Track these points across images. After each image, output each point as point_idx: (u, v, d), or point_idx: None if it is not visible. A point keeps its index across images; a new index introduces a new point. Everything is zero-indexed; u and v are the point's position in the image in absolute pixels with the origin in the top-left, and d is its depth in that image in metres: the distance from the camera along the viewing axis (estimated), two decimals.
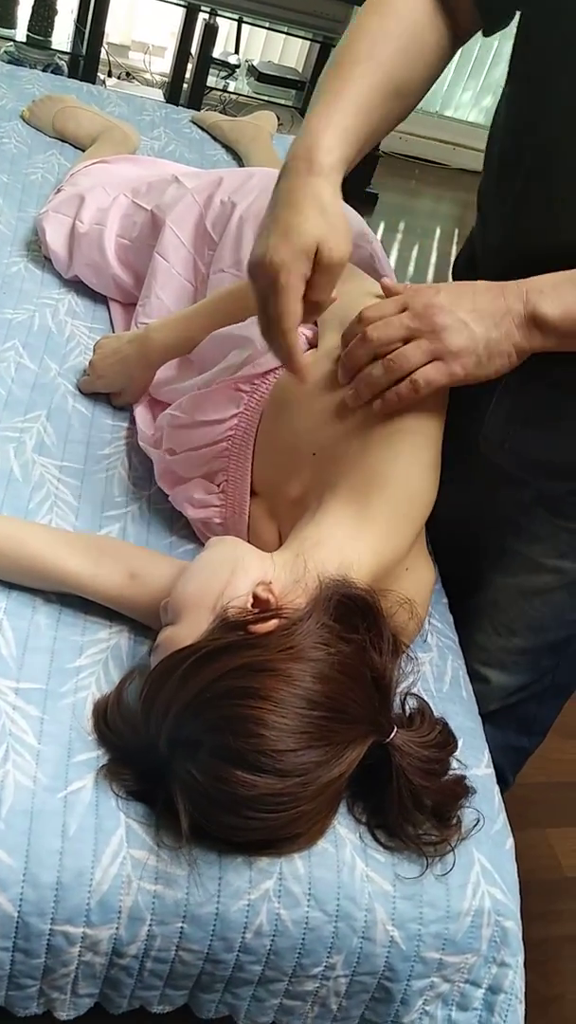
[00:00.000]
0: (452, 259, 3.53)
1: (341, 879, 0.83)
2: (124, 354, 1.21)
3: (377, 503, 0.92)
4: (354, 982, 0.85)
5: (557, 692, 1.32)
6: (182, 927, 0.80)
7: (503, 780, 1.38)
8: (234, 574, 0.87)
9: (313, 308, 0.88)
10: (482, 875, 0.88)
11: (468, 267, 1.11)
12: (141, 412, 1.22)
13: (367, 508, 0.92)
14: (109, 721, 0.86)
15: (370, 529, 0.92)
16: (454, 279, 1.15)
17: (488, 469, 1.10)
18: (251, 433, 1.04)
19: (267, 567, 0.89)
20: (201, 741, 0.77)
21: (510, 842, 0.94)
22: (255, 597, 0.85)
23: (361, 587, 0.87)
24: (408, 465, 0.94)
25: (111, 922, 0.78)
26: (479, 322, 0.88)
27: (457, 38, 0.99)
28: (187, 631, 0.85)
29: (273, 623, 0.82)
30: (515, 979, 0.88)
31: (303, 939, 0.82)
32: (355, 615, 0.84)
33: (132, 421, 1.25)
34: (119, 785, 0.83)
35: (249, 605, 0.84)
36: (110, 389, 1.24)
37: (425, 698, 0.92)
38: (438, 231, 3.78)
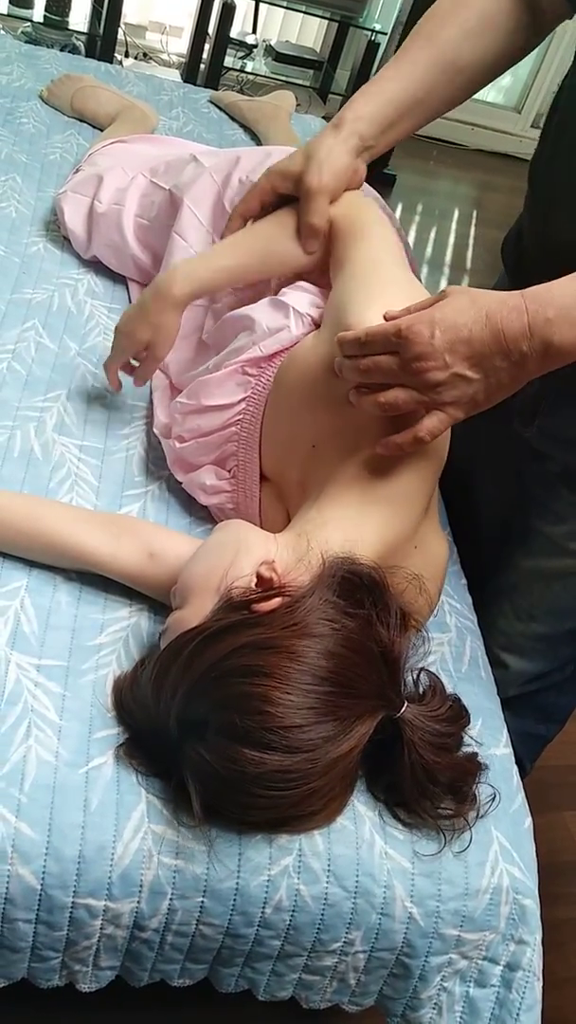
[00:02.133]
0: (469, 240, 3.52)
1: (360, 856, 0.84)
2: (142, 300, 1.10)
3: (380, 483, 0.92)
4: (372, 958, 0.85)
5: None
6: (202, 901, 0.80)
7: (520, 768, 1.38)
8: (237, 555, 0.88)
9: (308, 231, 1.07)
10: (500, 853, 0.88)
11: (516, 242, 1.12)
12: (159, 398, 1.22)
13: (371, 488, 0.92)
14: (124, 704, 0.87)
15: (374, 508, 0.92)
16: (503, 255, 1.15)
17: (516, 446, 1.10)
18: (258, 417, 1.04)
19: (270, 547, 0.89)
20: (208, 721, 0.77)
21: (528, 821, 0.94)
22: (258, 576, 0.85)
23: (366, 563, 0.87)
24: None
25: (132, 896, 0.79)
26: (477, 369, 0.82)
27: (541, 27, 1.02)
28: (193, 613, 0.85)
29: (276, 601, 0.83)
30: (533, 956, 0.89)
31: (322, 915, 0.82)
32: (360, 591, 0.84)
33: (151, 401, 1.25)
34: (134, 765, 0.84)
35: (253, 584, 0.85)
36: (136, 346, 1.11)
37: (443, 678, 0.92)
38: (456, 212, 3.75)
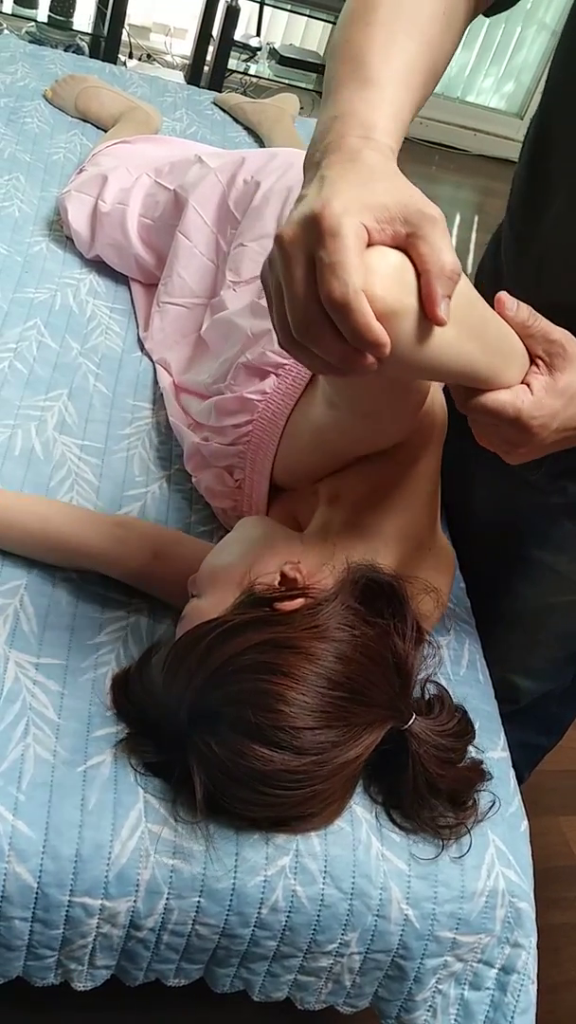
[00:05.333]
0: (471, 246, 3.52)
1: (357, 857, 0.84)
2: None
3: (400, 489, 0.92)
4: (368, 959, 0.86)
5: None
6: (199, 901, 0.80)
7: (518, 776, 1.38)
8: (263, 552, 0.88)
9: (439, 278, 0.61)
10: (497, 857, 0.89)
11: (494, 259, 1.09)
12: (166, 396, 1.22)
13: (390, 494, 0.92)
14: (131, 690, 0.86)
15: (394, 515, 0.92)
16: (480, 268, 1.13)
17: (516, 476, 1.09)
18: (270, 436, 1.02)
19: (295, 547, 0.89)
20: (221, 714, 0.77)
21: (525, 824, 0.94)
22: (283, 575, 0.85)
23: (387, 573, 0.87)
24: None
25: (129, 895, 0.79)
26: (558, 441, 0.78)
27: (473, 12, 0.87)
28: (213, 604, 0.85)
29: (299, 601, 0.83)
30: (528, 960, 0.89)
31: (318, 916, 0.82)
32: (380, 600, 0.84)
33: (154, 401, 1.25)
34: (137, 756, 0.84)
35: (276, 583, 0.85)
36: None
37: (442, 681, 0.92)
38: (458, 217, 3.75)
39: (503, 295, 0.74)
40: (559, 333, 0.75)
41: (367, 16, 0.73)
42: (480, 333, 0.69)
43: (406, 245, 0.59)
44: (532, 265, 0.96)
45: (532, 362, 0.76)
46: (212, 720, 0.77)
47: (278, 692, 0.76)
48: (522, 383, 0.75)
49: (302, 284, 0.58)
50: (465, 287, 0.64)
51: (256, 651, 0.79)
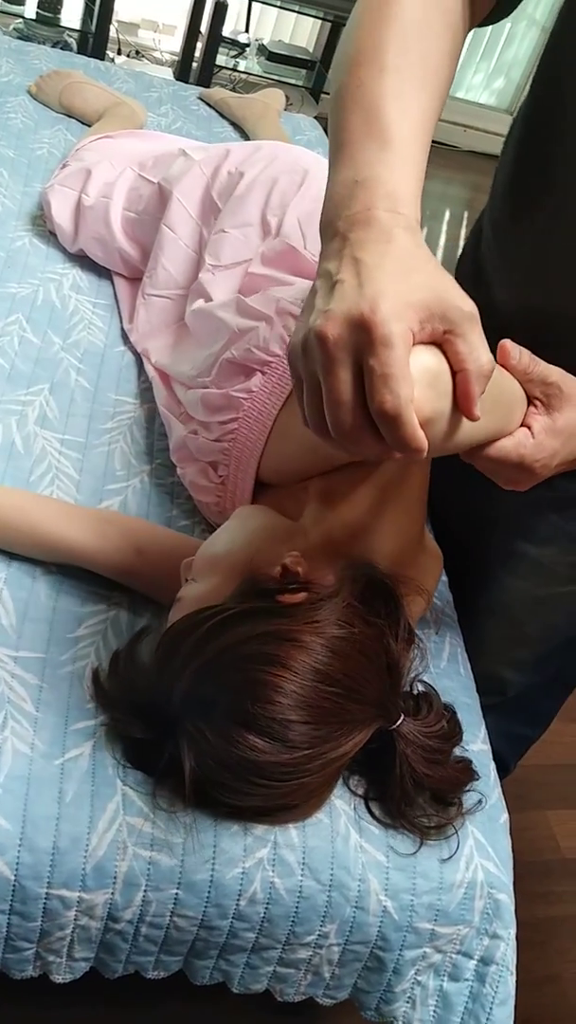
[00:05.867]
0: (460, 242, 3.52)
1: (335, 849, 0.84)
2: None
3: (396, 488, 0.92)
4: (347, 951, 0.86)
5: (564, 685, 1.32)
6: (177, 893, 0.80)
7: (504, 767, 1.39)
8: (265, 542, 0.88)
9: (478, 378, 0.62)
10: (476, 848, 0.89)
11: (474, 259, 1.08)
12: (156, 379, 1.22)
13: (387, 493, 0.92)
14: (120, 671, 0.86)
15: (391, 514, 0.92)
16: (458, 265, 1.13)
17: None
18: (256, 434, 1.02)
19: (297, 540, 0.89)
20: (217, 701, 0.77)
21: (504, 817, 0.94)
22: (284, 567, 0.85)
23: (385, 573, 0.87)
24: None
25: (106, 887, 0.79)
26: (558, 468, 0.82)
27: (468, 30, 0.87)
28: (212, 591, 0.86)
29: (302, 595, 0.83)
30: (507, 951, 0.89)
31: (297, 907, 0.83)
32: (378, 600, 0.84)
33: (136, 396, 1.25)
34: (124, 738, 0.84)
35: (278, 574, 0.85)
36: None
37: (424, 675, 0.92)
38: (447, 214, 3.75)
39: (507, 344, 0.75)
40: (556, 375, 0.77)
41: (378, 59, 0.70)
42: (496, 404, 0.70)
43: (442, 341, 0.61)
44: (518, 270, 0.96)
45: (530, 402, 0.77)
46: (207, 707, 0.77)
47: (277, 684, 0.76)
48: (522, 425, 0.76)
49: (349, 390, 0.59)
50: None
51: (257, 641, 0.79)
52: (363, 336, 0.57)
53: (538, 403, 0.77)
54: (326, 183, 0.70)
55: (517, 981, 0.93)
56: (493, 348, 0.67)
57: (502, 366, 0.75)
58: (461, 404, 0.62)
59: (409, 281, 0.60)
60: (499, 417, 0.73)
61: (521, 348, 0.76)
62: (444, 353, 0.61)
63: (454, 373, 0.61)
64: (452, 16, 0.76)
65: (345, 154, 0.68)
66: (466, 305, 0.61)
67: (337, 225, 0.65)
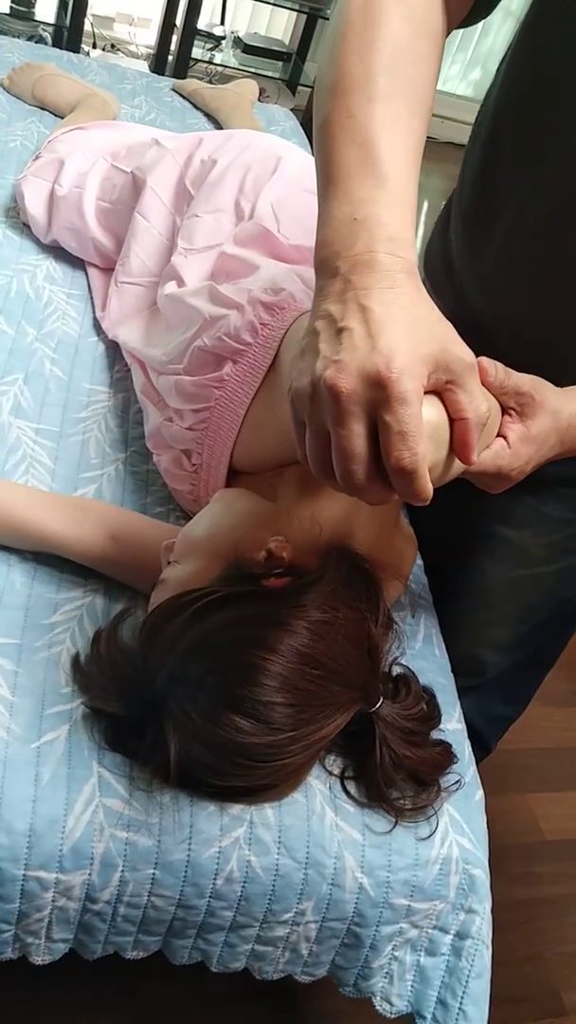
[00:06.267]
0: None
1: (311, 827, 0.85)
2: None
3: None
4: (324, 928, 0.87)
5: (541, 663, 1.34)
6: (154, 873, 0.81)
7: (485, 747, 1.40)
8: (250, 526, 0.89)
9: (477, 426, 0.65)
10: (451, 825, 0.90)
11: (443, 249, 1.09)
12: (135, 365, 1.23)
13: None
14: (102, 652, 0.86)
15: None
16: (428, 255, 1.14)
17: None
18: (229, 423, 1.03)
19: (281, 524, 0.90)
20: (204, 683, 0.78)
21: (479, 794, 0.95)
22: (270, 552, 0.86)
23: (365, 558, 0.88)
24: None
25: (83, 868, 0.80)
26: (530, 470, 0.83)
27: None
28: (196, 573, 0.87)
29: (286, 580, 0.84)
30: (482, 925, 0.90)
31: (273, 885, 0.83)
32: (359, 585, 0.86)
33: (110, 385, 1.25)
34: (103, 719, 0.84)
35: (262, 558, 0.86)
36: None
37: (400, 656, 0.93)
38: (426, 204, 3.76)
39: (484, 362, 0.76)
40: (528, 384, 0.79)
41: (368, 89, 0.70)
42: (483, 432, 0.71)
43: (443, 390, 0.63)
44: (486, 264, 0.97)
45: (505, 412, 0.79)
46: (193, 688, 0.78)
47: (263, 667, 0.77)
48: (499, 434, 0.78)
49: (363, 443, 0.60)
50: None
51: (244, 625, 0.80)
52: (379, 393, 0.59)
53: (513, 412, 0.79)
54: (318, 216, 0.70)
55: (500, 960, 0.94)
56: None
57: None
58: (459, 451, 0.65)
59: (417, 333, 0.61)
60: (484, 443, 0.75)
61: (496, 363, 0.77)
62: (444, 401, 0.63)
63: (452, 421, 0.64)
64: (435, 33, 0.76)
65: (340, 189, 0.68)
66: (467, 356, 0.63)
67: (337, 265, 0.65)
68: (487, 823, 0.94)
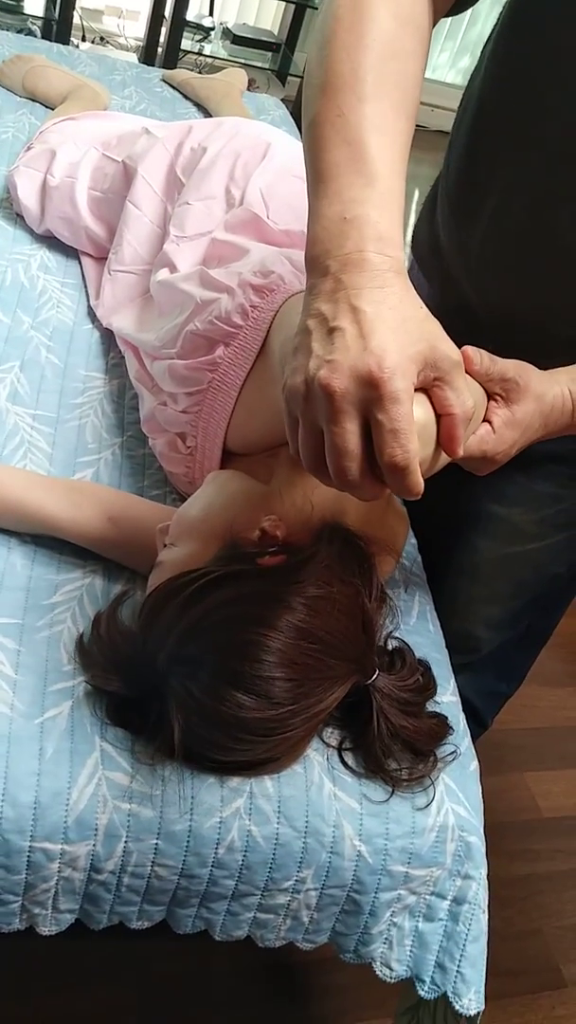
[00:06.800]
0: None
1: (310, 797, 0.87)
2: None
3: None
4: (324, 895, 0.89)
5: (534, 639, 1.36)
6: (157, 843, 0.83)
7: (481, 723, 1.42)
8: (244, 507, 0.91)
9: (464, 421, 0.67)
10: (446, 794, 0.92)
11: (430, 233, 1.10)
12: (128, 352, 1.24)
13: None
14: (103, 634, 0.88)
15: None
16: (416, 238, 1.16)
17: None
18: (222, 405, 1.04)
19: (274, 503, 0.92)
20: (204, 661, 0.80)
21: (474, 765, 0.97)
22: (263, 531, 0.88)
23: (357, 534, 0.90)
24: None
25: (88, 839, 0.81)
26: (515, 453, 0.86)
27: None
28: (192, 555, 0.88)
29: (281, 557, 0.86)
30: (479, 890, 0.92)
31: (273, 854, 0.85)
32: (352, 560, 0.87)
33: (106, 371, 1.27)
34: (106, 697, 0.86)
35: (256, 537, 0.87)
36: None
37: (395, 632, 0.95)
38: (416, 193, 3.77)
39: (468, 351, 0.78)
40: (512, 370, 0.81)
41: (357, 88, 0.71)
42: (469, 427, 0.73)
43: (431, 386, 0.65)
44: (472, 246, 0.99)
45: (491, 397, 0.81)
46: (194, 667, 0.80)
47: (262, 643, 0.79)
48: (484, 419, 0.80)
49: (356, 440, 0.63)
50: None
51: (241, 602, 0.81)
52: (371, 392, 0.61)
53: (498, 398, 0.81)
54: (308, 213, 0.71)
55: (499, 935, 0.96)
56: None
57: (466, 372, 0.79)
58: (446, 445, 0.67)
59: (406, 331, 0.63)
60: (469, 433, 0.77)
61: (480, 351, 0.80)
62: (431, 396, 0.66)
63: (439, 416, 0.66)
64: (422, 27, 0.77)
65: (331, 188, 0.70)
66: (454, 353, 0.65)
67: (328, 264, 0.67)
68: (486, 801, 0.95)
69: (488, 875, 0.93)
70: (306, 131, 0.75)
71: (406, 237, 0.80)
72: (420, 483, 0.64)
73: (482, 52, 0.96)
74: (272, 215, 1.17)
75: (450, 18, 0.86)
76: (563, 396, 0.84)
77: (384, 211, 0.69)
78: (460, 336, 0.71)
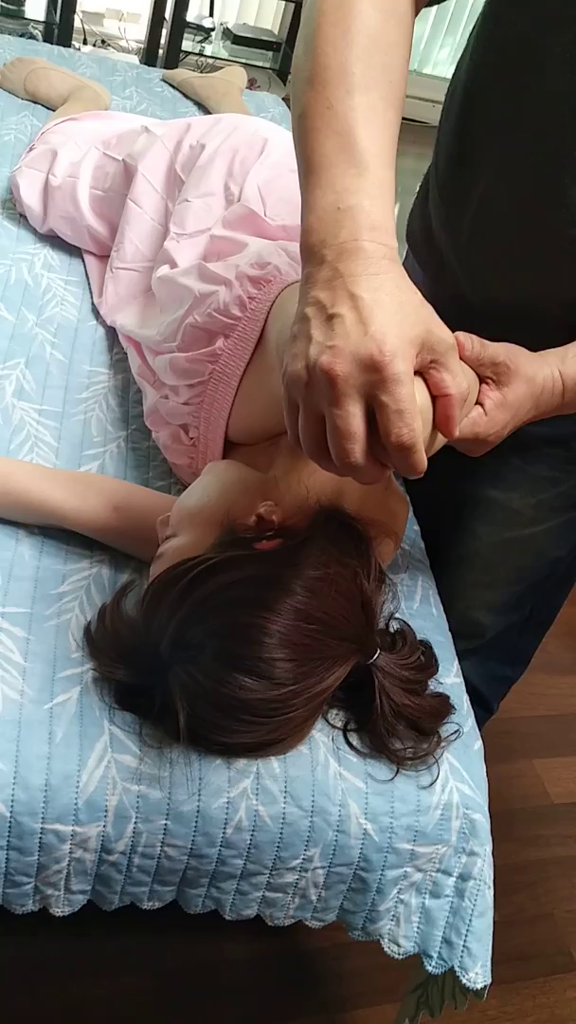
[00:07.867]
0: None
1: (316, 777, 0.88)
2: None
3: None
4: (331, 873, 0.90)
5: (538, 623, 1.37)
6: (166, 824, 0.84)
7: (487, 708, 1.43)
8: (240, 494, 0.93)
9: (459, 402, 0.69)
10: (451, 773, 0.93)
11: (424, 226, 1.10)
12: (131, 348, 1.26)
13: None
14: (108, 624, 0.90)
15: None
16: (410, 230, 1.17)
17: None
18: (223, 396, 1.06)
19: (270, 489, 0.94)
20: (205, 645, 0.81)
21: (478, 744, 0.99)
22: (259, 516, 0.89)
23: (354, 517, 0.91)
24: None
25: (98, 820, 0.83)
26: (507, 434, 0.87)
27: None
28: (192, 543, 0.90)
29: (277, 541, 0.87)
30: (484, 867, 0.93)
31: (281, 833, 0.87)
32: (349, 542, 0.89)
33: (110, 367, 1.29)
34: (115, 684, 0.88)
35: (253, 523, 0.89)
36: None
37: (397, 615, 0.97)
38: (418, 189, 3.78)
39: (460, 337, 0.80)
40: (503, 354, 0.83)
41: (345, 80, 0.73)
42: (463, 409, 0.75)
43: (427, 368, 0.67)
44: (463, 233, 1.00)
45: (482, 381, 0.83)
46: (196, 651, 0.81)
47: (261, 626, 0.81)
48: (476, 403, 0.82)
49: (359, 423, 0.64)
50: None
51: (240, 586, 0.83)
52: (373, 375, 0.63)
53: (490, 381, 0.83)
54: (302, 203, 0.73)
55: (510, 919, 0.98)
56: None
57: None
58: (442, 426, 0.69)
59: (404, 316, 0.65)
60: (463, 414, 0.79)
61: (471, 337, 0.81)
62: (427, 379, 0.67)
63: (435, 398, 0.68)
64: (404, 18, 0.79)
65: (323, 179, 0.72)
66: (448, 337, 0.67)
67: (324, 253, 0.69)
68: (496, 788, 0.97)
69: (499, 861, 0.95)
70: (296, 124, 0.76)
71: (399, 228, 0.82)
72: (424, 461, 0.65)
73: (468, 37, 0.98)
74: (269, 211, 1.19)
75: (450, 15, 0.88)
76: (553, 377, 0.85)
77: (376, 200, 0.70)
78: (453, 324, 0.72)
